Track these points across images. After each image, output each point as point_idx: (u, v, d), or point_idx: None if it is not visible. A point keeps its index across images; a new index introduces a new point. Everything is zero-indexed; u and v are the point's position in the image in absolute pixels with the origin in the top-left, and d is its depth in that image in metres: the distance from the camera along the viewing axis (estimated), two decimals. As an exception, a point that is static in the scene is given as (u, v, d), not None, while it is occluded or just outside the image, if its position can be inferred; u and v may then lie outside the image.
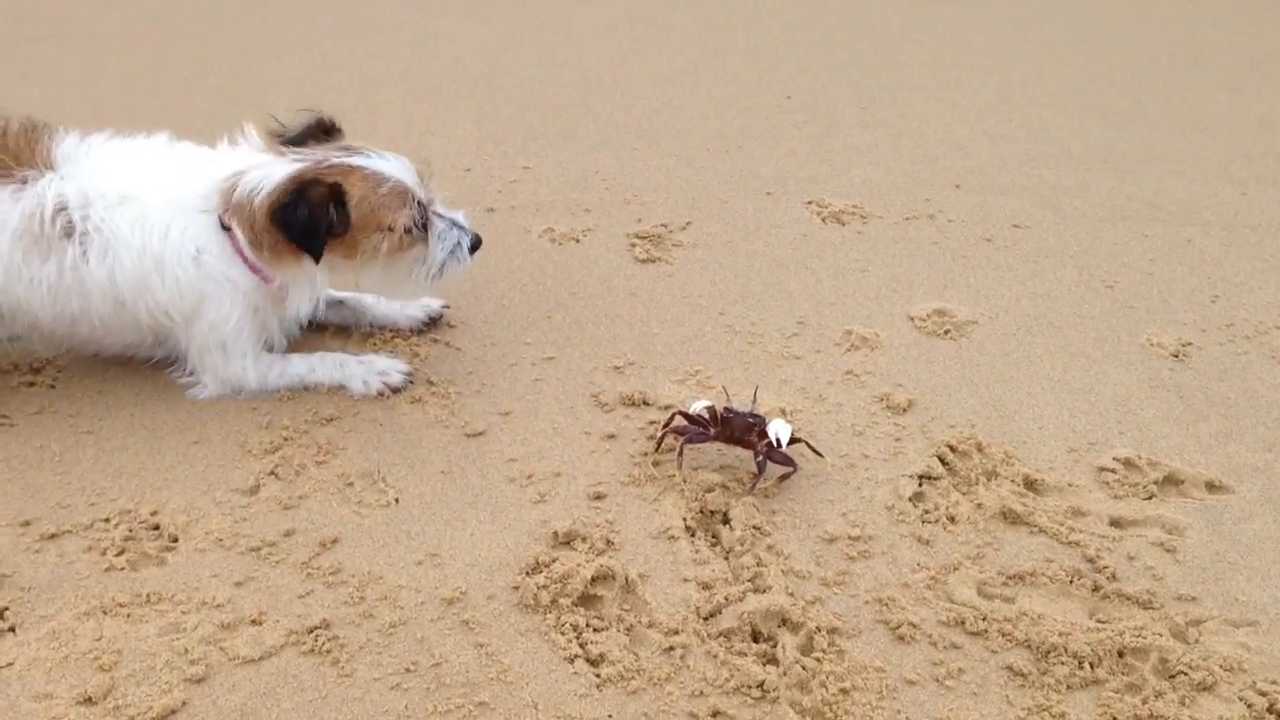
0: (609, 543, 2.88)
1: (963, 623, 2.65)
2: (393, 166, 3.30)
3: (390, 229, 3.26)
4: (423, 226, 3.35)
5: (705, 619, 2.64)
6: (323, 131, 3.40)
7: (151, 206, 3.20)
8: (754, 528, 2.95)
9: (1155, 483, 3.24)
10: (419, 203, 3.32)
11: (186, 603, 2.63)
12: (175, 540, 2.84)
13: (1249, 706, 2.44)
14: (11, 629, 2.54)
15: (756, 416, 3.18)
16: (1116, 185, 5.77)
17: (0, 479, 3.05)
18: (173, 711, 2.33)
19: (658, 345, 3.90)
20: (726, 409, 3.20)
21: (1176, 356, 3.98)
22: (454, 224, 3.48)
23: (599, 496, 3.08)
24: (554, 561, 2.78)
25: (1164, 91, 7.77)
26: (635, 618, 2.64)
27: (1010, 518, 3.05)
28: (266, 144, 3.34)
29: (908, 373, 3.79)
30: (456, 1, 9.80)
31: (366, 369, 3.52)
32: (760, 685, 2.44)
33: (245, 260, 3.27)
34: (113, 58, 7.46)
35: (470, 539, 2.89)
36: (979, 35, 9.29)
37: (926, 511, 3.06)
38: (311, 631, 2.55)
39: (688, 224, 5.00)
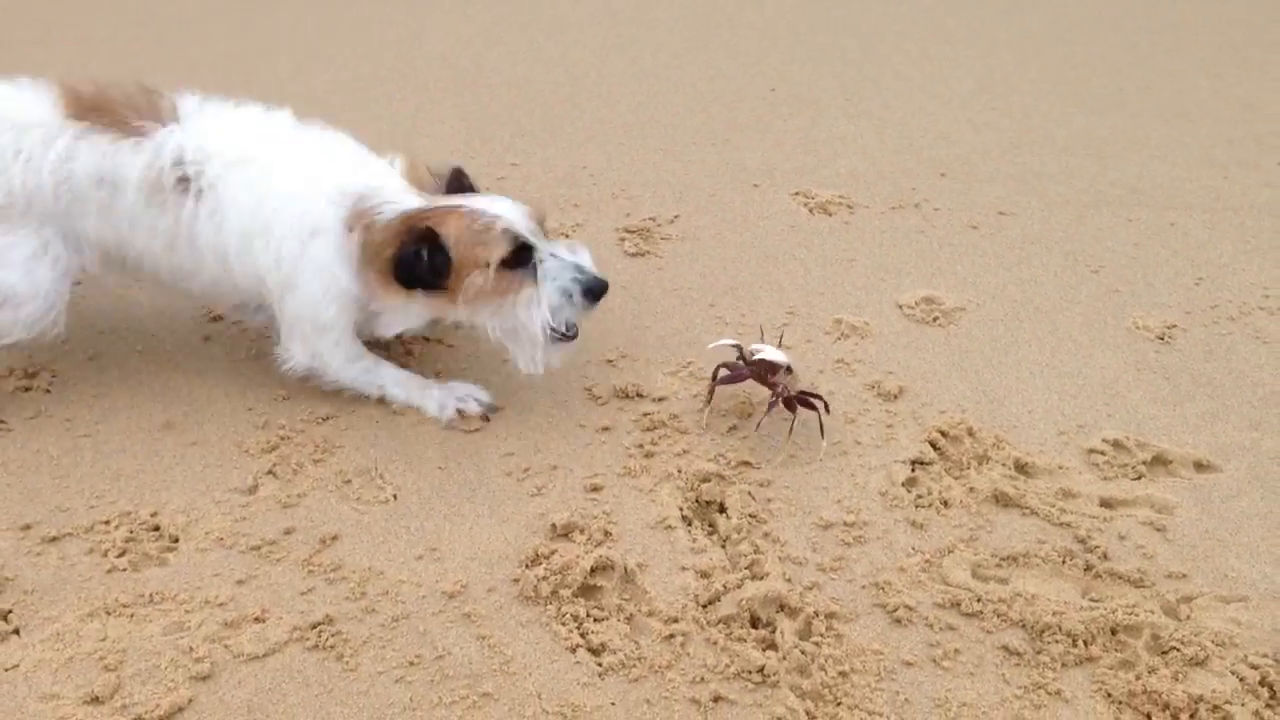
0: (607, 534, 2.91)
1: (958, 604, 2.69)
2: (496, 205, 3.20)
3: (487, 265, 3.13)
4: (525, 264, 3.19)
5: (704, 606, 2.68)
6: (459, 182, 3.40)
7: (279, 175, 3.22)
8: (750, 516, 2.99)
9: (1144, 463, 3.28)
10: (516, 237, 3.15)
11: (189, 602, 2.65)
12: (176, 540, 2.87)
13: (1241, 680, 2.48)
14: (15, 631, 2.56)
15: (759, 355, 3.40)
16: (1100, 171, 5.82)
17: None
18: (180, 709, 2.35)
19: (649, 338, 3.93)
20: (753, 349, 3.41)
21: (1162, 339, 4.02)
22: (571, 265, 3.24)
23: (596, 488, 3.11)
24: (553, 553, 2.81)
25: (1145, 78, 7.82)
26: (635, 607, 2.68)
27: (1002, 500, 3.08)
28: (410, 176, 3.41)
29: (898, 360, 3.83)
30: (441, 0, 9.80)
31: (447, 393, 3.45)
32: (760, 670, 2.47)
33: (353, 265, 3.23)
34: (98, 61, 7.45)
35: (469, 533, 2.92)
36: (961, 25, 9.33)
37: (920, 496, 3.10)
38: (315, 627, 2.57)
39: (676, 217, 5.03)
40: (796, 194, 5.36)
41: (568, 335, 3.29)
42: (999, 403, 3.58)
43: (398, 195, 3.22)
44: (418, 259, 3.11)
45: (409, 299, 3.21)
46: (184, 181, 3.18)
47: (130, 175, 3.19)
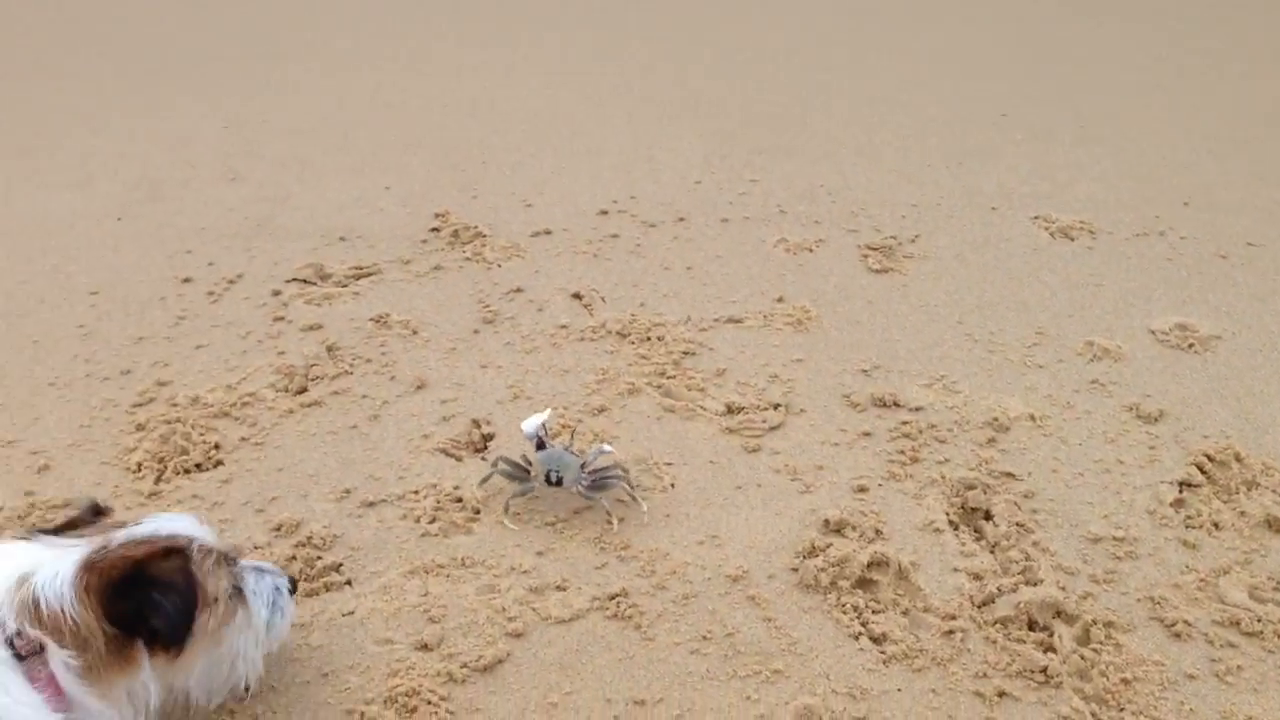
0: (878, 532, 3.02)
1: (1238, 623, 2.70)
2: (186, 525, 2.38)
3: (215, 600, 2.32)
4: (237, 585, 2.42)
5: (979, 607, 2.76)
6: (92, 516, 2.42)
7: None
8: (1017, 525, 3.05)
9: None
10: (226, 558, 2.41)
11: (497, 567, 2.87)
12: (478, 513, 3.09)
13: None
14: (348, 582, 2.82)
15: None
16: (1355, 205, 5.65)
17: (318, 453, 3.36)
18: (500, 661, 2.56)
19: (900, 351, 4.02)
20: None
21: None
22: (258, 569, 2.52)
23: (862, 489, 3.22)
24: (829, 546, 2.93)
25: (1397, 111, 7.53)
26: (910, 602, 2.77)
27: (1276, 526, 3.07)
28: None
29: (1155, 384, 3.82)
30: (673, 27, 10.08)
31: None
32: (1043, 670, 2.54)
33: (50, 691, 2.11)
34: (197, 75, 7.90)
35: (745, 523, 3.06)
36: (1193, 55, 9.13)
37: (1189, 517, 3.11)
38: (613, 599, 2.75)
39: (916, 237, 5.10)
40: (1036, 218, 5.38)
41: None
42: (1264, 430, 3.55)
43: (50, 561, 2.17)
44: (154, 590, 2.18)
45: (135, 675, 2.21)
46: None
47: None
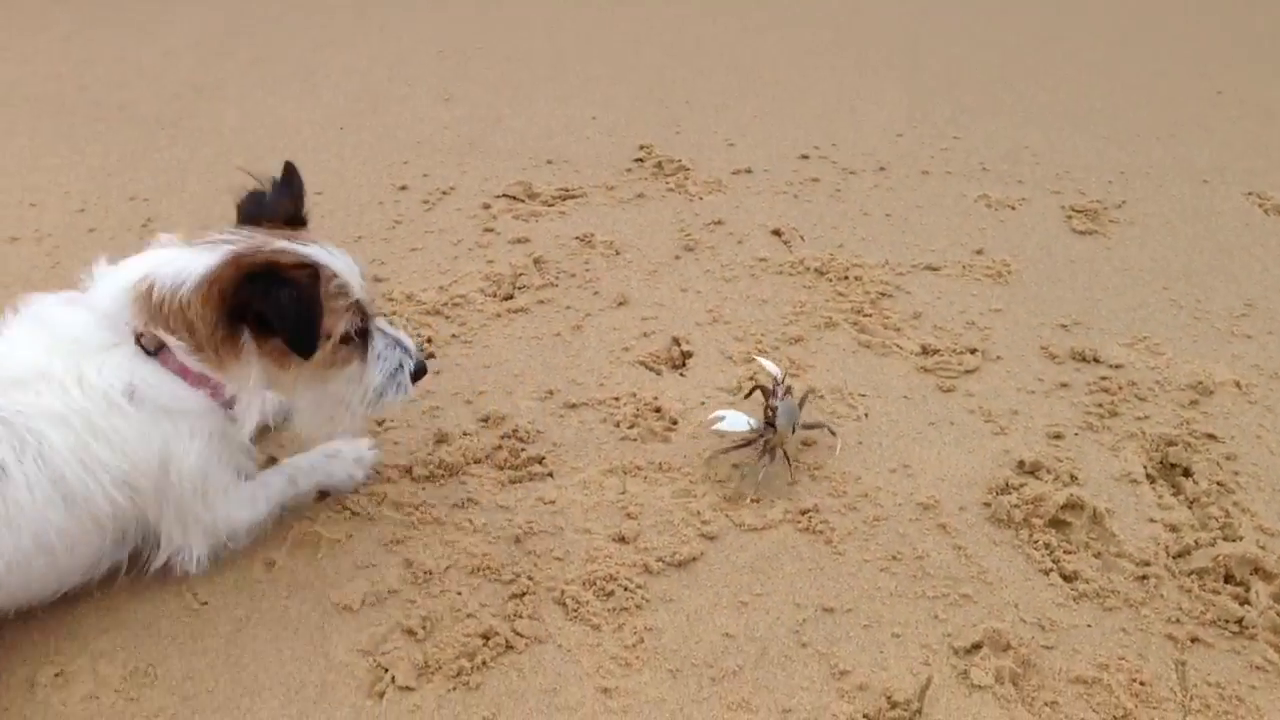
0: (1073, 477, 3.02)
1: None
2: (339, 262, 2.53)
3: (329, 336, 2.50)
4: (362, 338, 2.61)
5: (1175, 557, 2.74)
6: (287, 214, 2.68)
7: (44, 373, 2.35)
8: (1218, 484, 3.02)
9: None
10: (361, 309, 2.58)
11: (693, 474, 2.97)
12: (674, 423, 3.20)
13: None
14: (550, 474, 2.96)
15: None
16: None
17: (523, 355, 3.52)
18: (694, 559, 2.67)
19: (1101, 310, 3.97)
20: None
21: None
22: (397, 343, 2.70)
23: (1057, 436, 3.21)
24: (1023, 485, 2.94)
25: None
26: (1103, 546, 2.77)
27: None
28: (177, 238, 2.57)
29: (1369, 364, 3.71)
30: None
31: (342, 462, 2.91)
32: (1239, 622, 2.52)
33: (188, 376, 2.46)
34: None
35: (937, 457, 3.10)
36: None
37: (1401, 494, 3.03)
38: (804, 513, 2.83)
39: (1123, 203, 5.00)
40: (1250, 194, 5.20)
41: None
42: None
43: (175, 259, 2.44)
44: (279, 289, 2.35)
45: (244, 364, 2.47)
46: None
47: None
